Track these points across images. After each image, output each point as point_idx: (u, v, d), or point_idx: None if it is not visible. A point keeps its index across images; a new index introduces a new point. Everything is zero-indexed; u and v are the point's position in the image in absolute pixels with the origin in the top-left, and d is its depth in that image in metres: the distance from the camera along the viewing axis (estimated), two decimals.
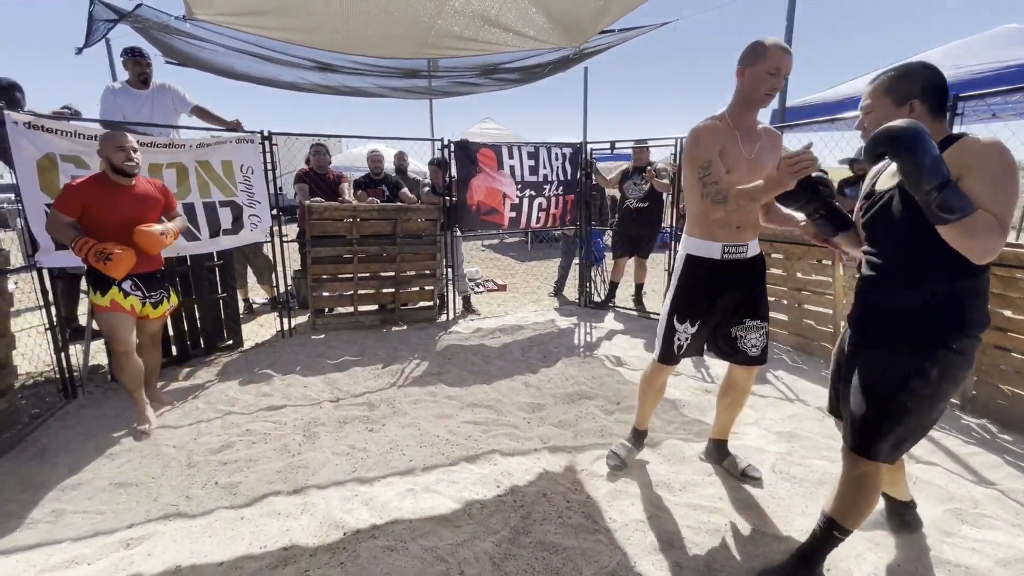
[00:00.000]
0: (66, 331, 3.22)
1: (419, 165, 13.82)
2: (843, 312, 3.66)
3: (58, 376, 3.14)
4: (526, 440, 2.69)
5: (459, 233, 5.07)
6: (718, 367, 3.72)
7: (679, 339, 2.12)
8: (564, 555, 1.83)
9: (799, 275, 3.99)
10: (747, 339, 2.11)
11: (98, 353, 3.85)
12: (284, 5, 2.59)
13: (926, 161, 1.28)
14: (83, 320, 3.83)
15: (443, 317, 5.00)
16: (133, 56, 3.64)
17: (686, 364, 3.81)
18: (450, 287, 5.00)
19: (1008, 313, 2.75)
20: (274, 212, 4.14)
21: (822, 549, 1.68)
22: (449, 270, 4.93)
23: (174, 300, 3.11)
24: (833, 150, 4.62)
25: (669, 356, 2.15)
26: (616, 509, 2.09)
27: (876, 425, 1.51)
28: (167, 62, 4.40)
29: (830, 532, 1.64)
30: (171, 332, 3.75)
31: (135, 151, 2.75)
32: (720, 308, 2.09)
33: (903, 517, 1.92)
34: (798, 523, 1.99)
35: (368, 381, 3.51)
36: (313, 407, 3.09)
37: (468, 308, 5.23)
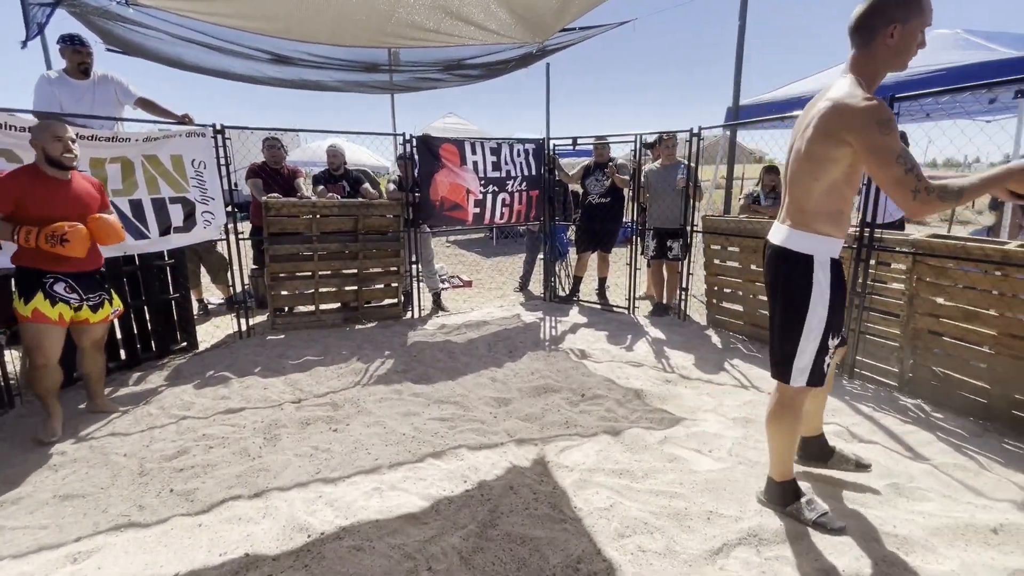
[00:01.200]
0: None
1: (381, 160, 13.61)
2: None
3: None
4: (493, 434, 2.70)
5: (428, 229, 5.03)
6: (679, 358, 3.84)
7: (828, 358, 1.83)
8: (531, 545, 1.86)
9: (753, 267, 4.15)
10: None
11: None
12: None
13: None
14: None
15: (409, 314, 4.95)
16: (72, 44, 3.41)
17: (648, 355, 3.92)
18: (415, 284, 4.95)
19: (940, 300, 2.96)
20: (229, 209, 3.99)
21: None
22: (414, 267, 4.88)
23: (117, 303, 2.88)
24: (784, 147, 4.81)
25: (820, 378, 1.82)
26: (581, 498, 2.14)
27: None
28: (108, 50, 4.17)
29: None
30: (119, 335, 3.57)
31: (74, 142, 2.58)
32: None
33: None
34: (752, 503, 2.08)
35: (331, 381, 3.45)
36: (274, 409, 3.01)
37: (438, 305, 5.19)
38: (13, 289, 2.57)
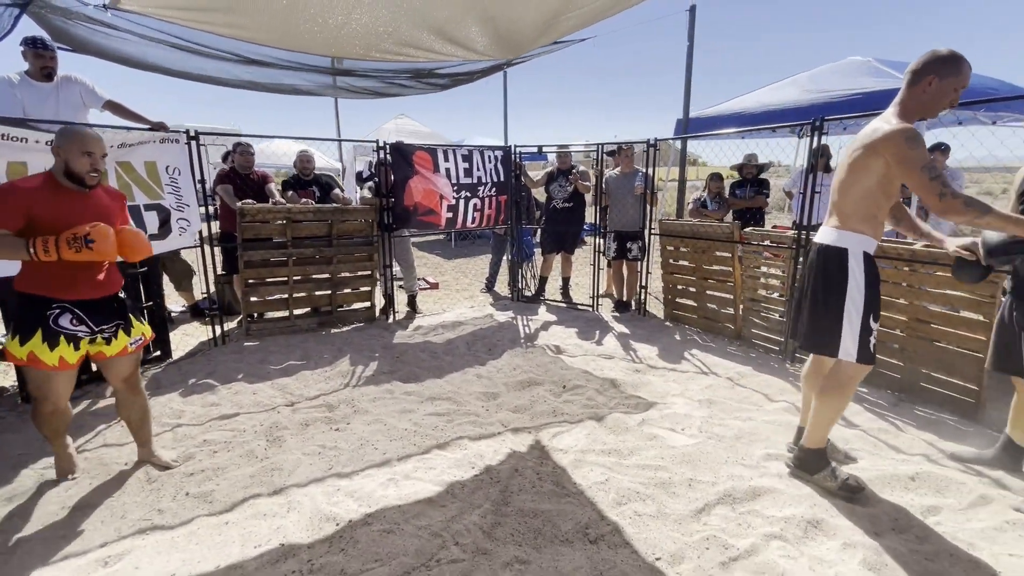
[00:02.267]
0: None
1: (331, 162, 13.35)
2: (741, 297, 4.31)
3: None
4: (489, 425, 2.92)
5: (407, 233, 5.14)
6: (644, 350, 4.21)
7: (873, 338, 2.10)
8: (543, 517, 2.11)
9: (704, 266, 4.60)
10: None
11: (4, 373, 3.46)
12: (235, 4, 2.52)
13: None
14: None
15: (390, 318, 5.05)
16: (35, 47, 3.28)
17: (617, 348, 4.26)
18: (393, 287, 5.05)
19: None
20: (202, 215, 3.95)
21: None
22: (388, 270, 4.98)
23: (140, 330, 2.40)
24: (729, 156, 5.33)
25: (869, 356, 2.10)
26: (580, 475, 2.41)
27: None
28: (58, 47, 4.00)
29: None
30: None
31: (104, 157, 2.23)
32: None
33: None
34: (724, 470, 2.43)
35: (320, 384, 3.53)
36: (269, 413, 3.08)
37: (413, 307, 5.32)
38: (8, 324, 2.19)
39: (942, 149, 4.70)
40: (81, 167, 2.13)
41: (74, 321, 2.17)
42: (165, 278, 4.84)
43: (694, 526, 2.06)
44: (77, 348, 2.19)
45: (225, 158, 6.18)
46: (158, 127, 3.58)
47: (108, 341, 2.29)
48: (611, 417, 3.00)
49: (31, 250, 1.99)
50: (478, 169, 5.06)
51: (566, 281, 5.79)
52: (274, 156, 10.12)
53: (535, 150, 5.43)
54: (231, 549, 1.95)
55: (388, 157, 4.63)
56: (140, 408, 2.48)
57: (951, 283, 3.01)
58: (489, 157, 5.15)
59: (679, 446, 2.67)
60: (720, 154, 6.05)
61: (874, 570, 1.80)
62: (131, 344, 2.36)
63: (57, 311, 2.14)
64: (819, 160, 3.83)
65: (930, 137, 4.68)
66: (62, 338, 2.14)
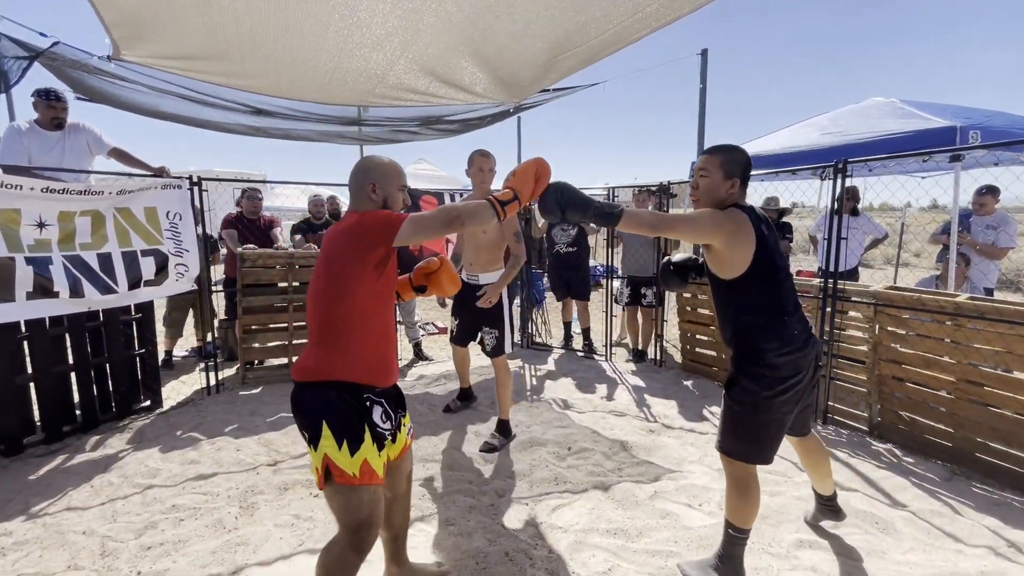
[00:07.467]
0: None
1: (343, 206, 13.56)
2: None
3: None
4: (482, 495, 2.64)
5: None
6: (659, 406, 3.89)
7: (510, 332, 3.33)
8: None
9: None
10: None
11: None
12: (224, 51, 2.51)
13: (575, 204, 1.72)
14: None
15: None
16: (47, 99, 3.34)
17: (629, 403, 3.94)
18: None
19: (900, 347, 3.14)
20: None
21: (727, 548, 1.94)
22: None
23: (407, 420, 1.87)
24: (751, 196, 5.12)
25: (511, 346, 3.34)
26: (578, 562, 2.10)
27: (723, 429, 1.95)
28: (77, 98, 4.11)
29: (727, 532, 1.94)
30: (76, 396, 3.35)
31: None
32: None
33: (830, 506, 2.24)
34: (747, 560, 2.08)
35: None
36: (248, 473, 2.86)
37: (419, 355, 5.13)
38: (325, 430, 1.50)
39: (993, 192, 4.37)
40: (398, 204, 1.75)
41: (383, 416, 1.63)
42: (159, 324, 4.78)
43: None
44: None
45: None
46: (159, 173, 3.58)
47: (394, 438, 1.71)
48: (619, 487, 2.68)
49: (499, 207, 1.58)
50: None
51: (586, 332, 5.45)
52: (289, 199, 10.38)
53: None
54: None
55: None
56: (407, 509, 1.93)
57: (1003, 340, 2.68)
58: None
59: (695, 526, 2.34)
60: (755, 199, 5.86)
61: None
62: (408, 434, 1.86)
63: (368, 404, 1.61)
64: (844, 203, 3.58)
65: (971, 180, 4.36)
66: (383, 439, 1.62)
